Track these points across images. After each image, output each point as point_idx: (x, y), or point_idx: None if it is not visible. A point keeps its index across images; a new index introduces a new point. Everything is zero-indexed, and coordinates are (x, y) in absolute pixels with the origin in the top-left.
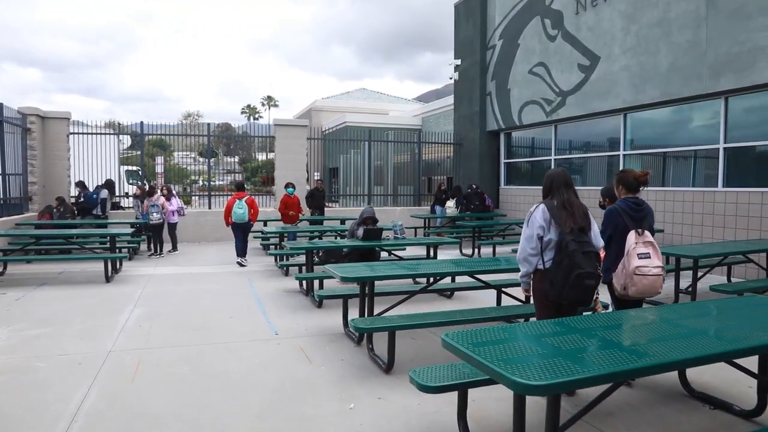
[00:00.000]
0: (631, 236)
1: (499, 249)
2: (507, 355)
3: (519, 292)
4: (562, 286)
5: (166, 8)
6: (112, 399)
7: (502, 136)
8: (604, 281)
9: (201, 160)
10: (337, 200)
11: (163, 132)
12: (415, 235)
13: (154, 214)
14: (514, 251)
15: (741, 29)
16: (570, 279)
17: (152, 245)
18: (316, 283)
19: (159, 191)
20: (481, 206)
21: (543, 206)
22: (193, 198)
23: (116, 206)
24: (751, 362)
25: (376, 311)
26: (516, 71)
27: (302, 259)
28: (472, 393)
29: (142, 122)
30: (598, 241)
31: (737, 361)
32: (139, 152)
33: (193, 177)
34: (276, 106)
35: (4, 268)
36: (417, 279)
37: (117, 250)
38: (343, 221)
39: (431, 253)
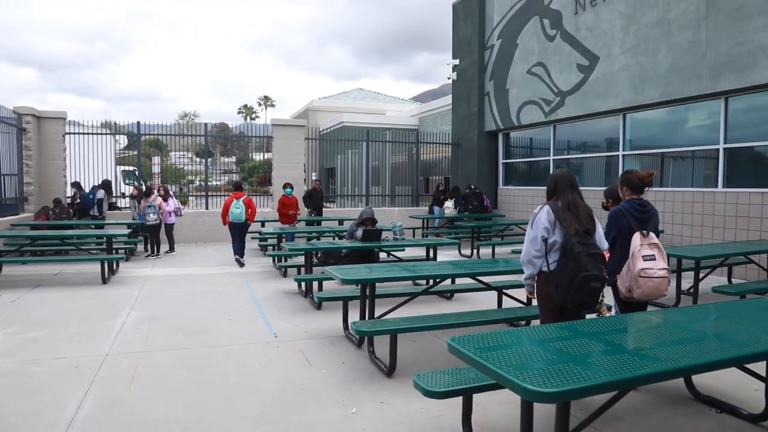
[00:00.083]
0: (636, 238)
1: (498, 250)
2: (515, 361)
3: (519, 294)
4: (567, 288)
5: (161, 8)
6: (109, 404)
7: (500, 137)
8: (608, 283)
9: (197, 160)
10: (334, 200)
11: (159, 132)
12: (414, 236)
13: (151, 214)
14: (514, 252)
15: (741, 29)
16: (575, 282)
17: (149, 246)
18: (315, 284)
19: (156, 192)
20: (480, 207)
21: (547, 208)
22: (189, 198)
23: (113, 207)
24: (758, 365)
25: (376, 313)
26: (515, 71)
27: (301, 260)
28: (476, 396)
29: (138, 122)
30: (603, 243)
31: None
32: (135, 152)
33: (189, 177)
34: (273, 106)
35: (0, 269)
36: (417, 281)
37: (114, 251)
38: (341, 222)
39: (431, 255)
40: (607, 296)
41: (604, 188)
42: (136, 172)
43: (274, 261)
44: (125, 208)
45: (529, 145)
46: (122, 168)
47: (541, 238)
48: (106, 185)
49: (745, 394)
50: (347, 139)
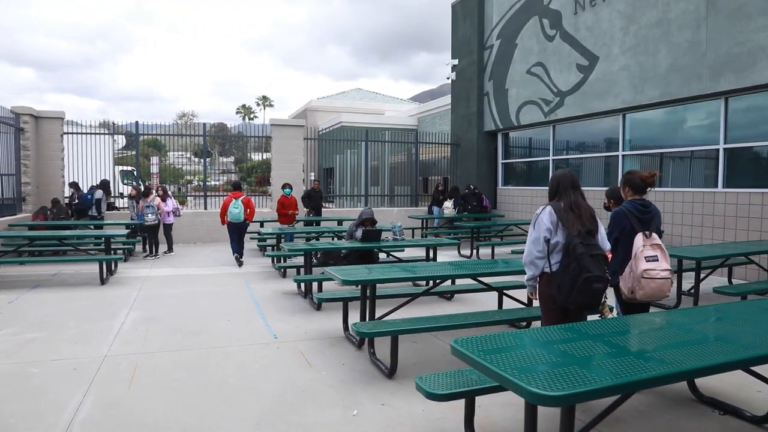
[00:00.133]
0: (639, 239)
1: (497, 250)
2: (520, 363)
3: (520, 294)
4: (569, 290)
5: (161, 8)
6: (108, 406)
7: (499, 137)
8: (611, 284)
9: (196, 160)
10: (333, 200)
11: (158, 132)
12: (413, 236)
13: (150, 215)
14: (514, 252)
15: (741, 29)
16: (578, 283)
17: (148, 246)
18: (314, 285)
19: (155, 192)
20: (479, 207)
21: (550, 208)
22: (188, 198)
23: (111, 207)
24: (762, 366)
25: (376, 314)
26: (514, 71)
27: (300, 260)
28: (478, 398)
29: (137, 122)
30: (605, 243)
31: None
32: (133, 152)
33: (188, 177)
34: (271, 106)
35: None
36: (417, 281)
37: (112, 252)
38: (340, 222)
39: (431, 255)
40: (609, 297)
41: (603, 188)
42: (135, 172)
43: (273, 261)
44: (123, 208)
45: (528, 145)
46: (120, 168)
47: (543, 239)
48: (104, 185)
49: (748, 396)
50: (347, 139)
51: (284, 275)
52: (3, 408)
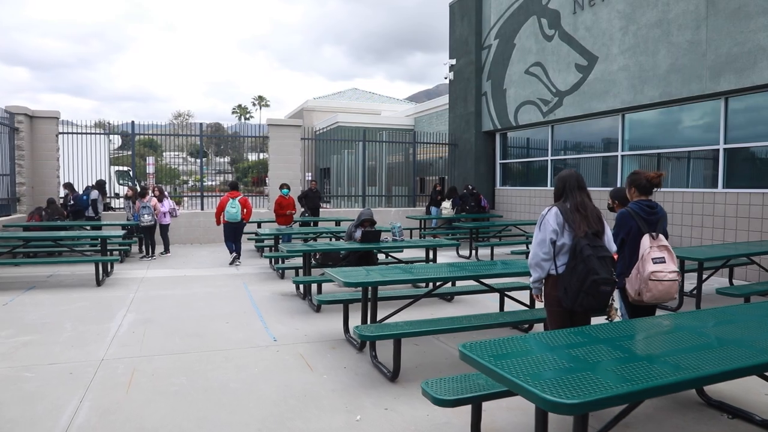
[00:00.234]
0: (646, 240)
1: (497, 250)
2: (531, 369)
3: (521, 295)
4: (576, 292)
5: (156, 7)
6: (105, 412)
7: (497, 137)
8: (617, 286)
9: (191, 160)
10: (329, 201)
11: (153, 132)
12: (411, 237)
13: (146, 215)
14: (513, 253)
15: (741, 29)
16: (585, 285)
17: (144, 247)
18: (314, 286)
19: (151, 192)
20: (477, 207)
21: (556, 209)
22: (183, 199)
23: (107, 207)
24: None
25: (378, 316)
26: (512, 71)
27: (298, 261)
28: (483, 403)
29: (133, 122)
30: (612, 245)
31: None
32: (129, 152)
33: (183, 177)
34: (267, 106)
35: None
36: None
37: (108, 253)
38: (338, 222)
39: (430, 256)
40: (615, 299)
41: (602, 189)
42: (130, 173)
43: (271, 262)
44: (119, 208)
45: (526, 145)
46: (116, 168)
47: (549, 241)
48: (100, 186)
49: (757, 399)
50: (344, 139)
51: (282, 276)
52: None
